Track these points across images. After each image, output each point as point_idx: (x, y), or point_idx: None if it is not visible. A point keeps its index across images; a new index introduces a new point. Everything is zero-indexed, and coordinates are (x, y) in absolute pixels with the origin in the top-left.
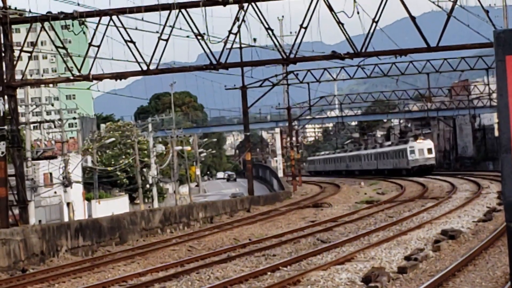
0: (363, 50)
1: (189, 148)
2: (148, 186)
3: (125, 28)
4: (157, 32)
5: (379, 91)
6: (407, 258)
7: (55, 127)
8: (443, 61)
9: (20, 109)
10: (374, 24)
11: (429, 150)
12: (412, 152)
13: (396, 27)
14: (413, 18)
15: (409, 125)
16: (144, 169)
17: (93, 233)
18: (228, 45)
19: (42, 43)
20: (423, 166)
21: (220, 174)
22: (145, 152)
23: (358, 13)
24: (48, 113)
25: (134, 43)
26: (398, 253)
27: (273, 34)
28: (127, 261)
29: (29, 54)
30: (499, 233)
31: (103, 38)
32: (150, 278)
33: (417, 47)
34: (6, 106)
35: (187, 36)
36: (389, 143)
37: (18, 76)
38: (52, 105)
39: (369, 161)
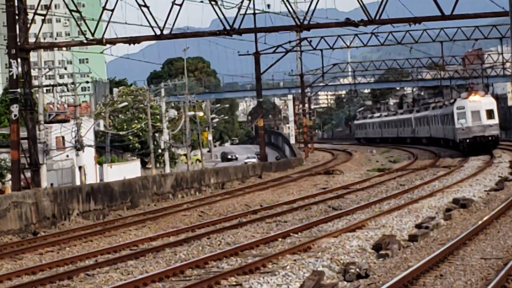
0: (377, 18)
1: (201, 113)
2: (160, 151)
3: None
4: None
5: (393, 59)
6: (418, 226)
7: (68, 90)
8: (457, 29)
9: (33, 72)
10: None
11: (489, 113)
12: (462, 116)
13: None
14: None
15: (422, 93)
16: (156, 134)
17: (104, 197)
18: (242, 11)
19: (56, 6)
20: (479, 139)
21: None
22: (158, 117)
23: None
24: (61, 76)
25: (148, 7)
26: (409, 221)
27: (287, 0)
28: (138, 226)
29: (42, 17)
30: (511, 203)
31: (117, 2)
32: (161, 242)
33: (431, 15)
34: (20, 69)
35: (201, 1)
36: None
37: (31, 39)
38: (65, 68)
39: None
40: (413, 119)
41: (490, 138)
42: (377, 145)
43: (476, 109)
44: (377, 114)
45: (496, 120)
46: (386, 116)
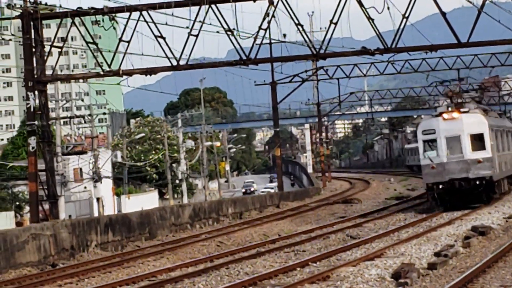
0: (393, 46)
1: (218, 143)
2: (177, 181)
3: (155, 24)
4: (187, 27)
5: (409, 87)
6: (437, 254)
7: (85, 122)
8: (473, 57)
9: (51, 105)
10: (405, 19)
11: (477, 140)
12: (431, 145)
13: (426, 23)
14: (443, 14)
15: None
16: (174, 165)
17: (122, 228)
18: (258, 41)
19: (72, 38)
20: (459, 184)
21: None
22: (175, 147)
23: (388, 8)
24: (78, 108)
25: (164, 38)
26: (428, 249)
27: (303, 29)
28: (156, 257)
29: (59, 50)
30: None
31: (133, 34)
32: (179, 273)
33: (447, 43)
34: (37, 101)
35: (217, 32)
36: None
37: (48, 72)
38: (82, 100)
39: None
40: None
41: (477, 182)
42: (395, 173)
43: (453, 134)
44: None
45: (488, 152)
46: None
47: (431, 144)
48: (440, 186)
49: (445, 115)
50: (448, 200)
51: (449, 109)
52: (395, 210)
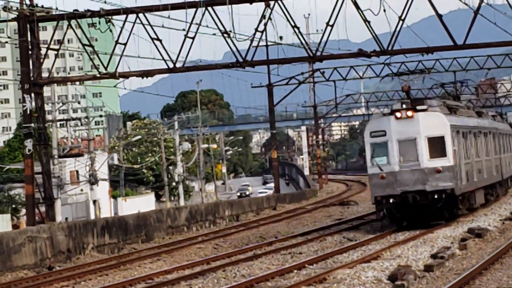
0: (389, 48)
1: (215, 146)
2: (174, 184)
3: (151, 26)
4: (184, 29)
5: None
6: (434, 256)
7: (81, 124)
8: (469, 59)
9: (47, 107)
10: (401, 22)
11: (436, 145)
12: (380, 150)
13: (422, 25)
14: (439, 16)
15: None
16: (170, 167)
17: (119, 230)
18: (255, 43)
19: (68, 41)
20: (413, 198)
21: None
22: (171, 150)
23: (384, 10)
24: (75, 110)
25: (160, 41)
26: (424, 251)
27: (299, 32)
28: (153, 259)
29: (55, 52)
30: None
31: (130, 36)
32: (176, 275)
33: (443, 45)
34: (33, 103)
35: (214, 34)
36: None
37: (45, 74)
38: (79, 102)
39: None
40: None
41: (436, 196)
42: None
43: (408, 137)
44: None
45: (449, 159)
46: None
47: (380, 148)
48: (391, 200)
49: (397, 114)
50: (400, 218)
51: (403, 106)
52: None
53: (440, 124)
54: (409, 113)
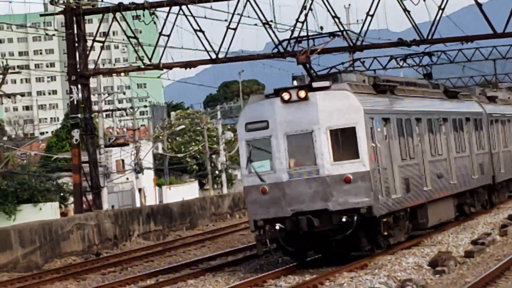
0: (429, 37)
1: None
2: (217, 172)
3: (194, 17)
4: (226, 20)
5: (445, 78)
6: (474, 242)
7: (126, 115)
8: (509, 47)
9: (93, 98)
10: (440, 11)
11: (342, 140)
12: (258, 151)
13: (462, 14)
14: (479, 5)
15: None
16: (213, 156)
17: (164, 218)
18: (296, 33)
19: (114, 33)
20: (309, 223)
21: None
22: (214, 139)
23: (424, 0)
24: (120, 101)
25: (203, 32)
26: (465, 238)
27: (340, 22)
28: (197, 246)
29: (101, 44)
30: None
31: (173, 28)
32: (219, 262)
33: (483, 34)
34: (80, 95)
35: (255, 25)
36: None
37: (91, 66)
38: (124, 93)
39: None
40: None
41: (344, 218)
42: None
43: (301, 129)
44: None
45: (364, 162)
46: None
47: (260, 148)
48: (278, 226)
49: (285, 95)
50: (294, 252)
51: (295, 83)
52: None
53: (350, 107)
54: (302, 93)
